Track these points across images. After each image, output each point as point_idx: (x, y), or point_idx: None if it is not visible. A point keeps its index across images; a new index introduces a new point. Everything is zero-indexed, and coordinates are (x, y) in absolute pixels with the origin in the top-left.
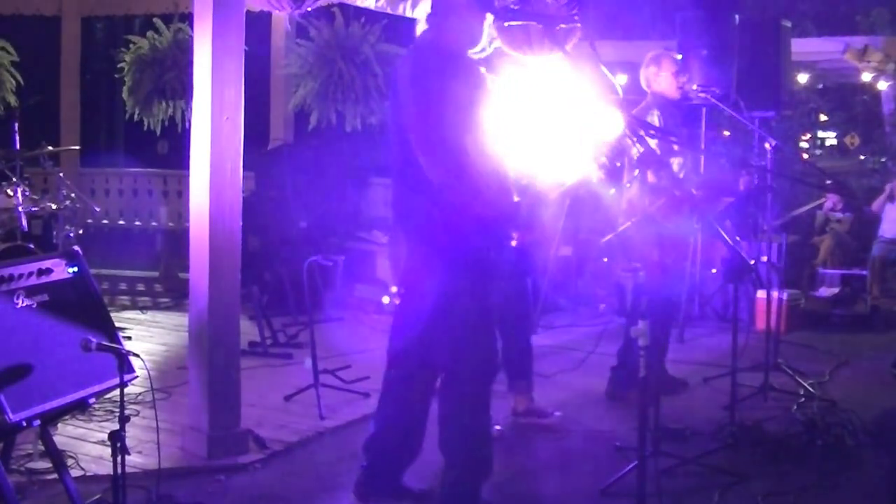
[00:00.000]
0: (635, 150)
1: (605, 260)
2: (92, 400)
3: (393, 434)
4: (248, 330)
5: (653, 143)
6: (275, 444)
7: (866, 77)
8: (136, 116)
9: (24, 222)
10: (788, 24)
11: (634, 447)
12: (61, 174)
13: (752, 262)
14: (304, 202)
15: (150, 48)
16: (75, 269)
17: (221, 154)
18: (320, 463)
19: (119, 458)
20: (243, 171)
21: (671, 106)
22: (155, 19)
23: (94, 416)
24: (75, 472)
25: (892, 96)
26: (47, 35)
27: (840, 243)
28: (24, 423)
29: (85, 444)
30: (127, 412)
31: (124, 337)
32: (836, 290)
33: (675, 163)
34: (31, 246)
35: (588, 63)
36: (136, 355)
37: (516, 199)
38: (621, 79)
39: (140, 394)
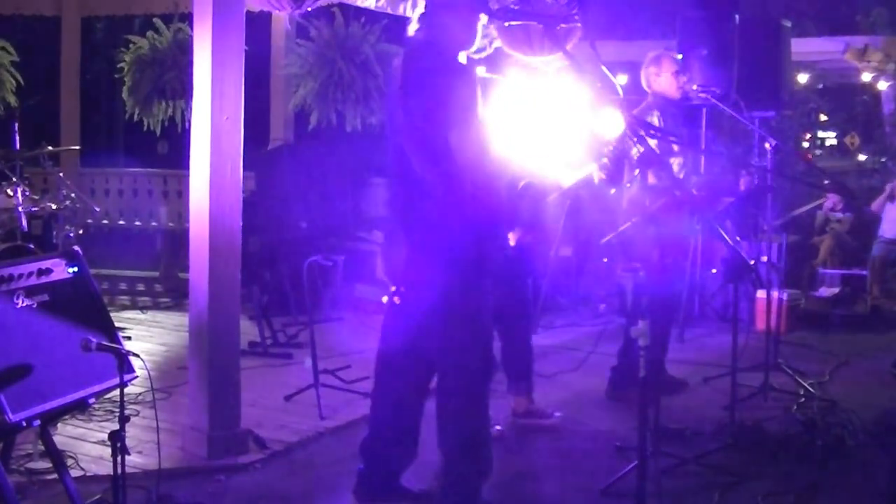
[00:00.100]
0: (635, 151)
1: (605, 260)
2: (92, 400)
3: (388, 436)
4: (248, 330)
5: (653, 143)
6: (275, 444)
7: (866, 77)
8: (136, 116)
9: (24, 222)
10: (788, 24)
11: (634, 447)
12: (61, 174)
13: (752, 262)
14: (304, 202)
15: (150, 48)
16: (75, 269)
17: (221, 154)
18: (320, 463)
19: (119, 458)
20: (243, 171)
21: (672, 106)
22: (155, 19)
23: (94, 416)
24: (75, 472)
25: (892, 96)
26: (47, 35)
27: (840, 243)
28: (24, 423)
29: (85, 444)
30: (127, 412)
31: (124, 337)
32: (836, 290)
33: (676, 163)
34: (31, 246)
35: (588, 63)
36: (136, 355)
37: (514, 198)
38: (622, 79)
39: (140, 394)
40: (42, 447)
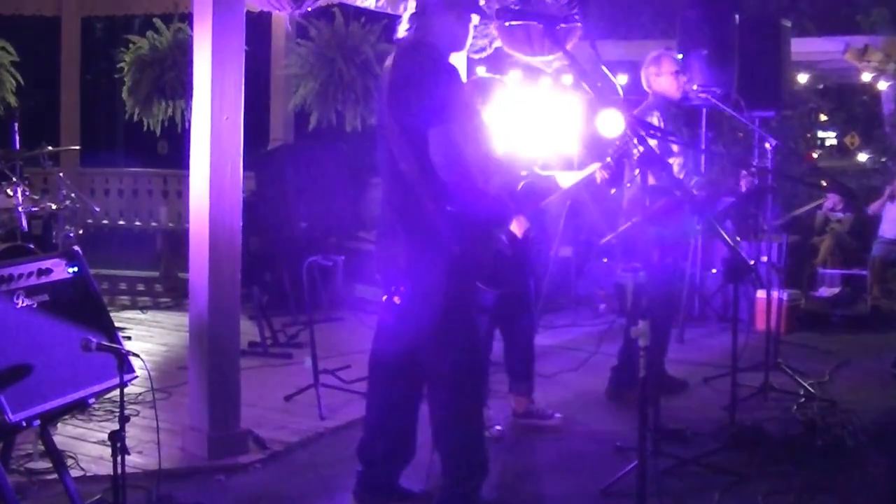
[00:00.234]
0: (636, 151)
1: (605, 260)
2: (92, 400)
3: (384, 437)
4: (248, 330)
5: (653, 143)
6: (275, 445)
7: (866, 77)
8: (136, 116)
9: (24, 222)
10: (788, 24)
11: (634, 447)
12: (61, 174)
13: (752, 262)
14: (304, 202)
15: (150, 48)
16: (75, 269)
17: (221, 154)
18: (320, 463)
19: (119, 458)
20: (243, 171)
21: (673, 106)
22: (155, 19)
23: (94, 416)
24: (75, 472)
25: (892, 96)
26: (47, 35)
27: (840, 243)
28: (24, 423)
29: (85, 444)
30: (127, 412)
31: (124, 337)
32: (836, 290)
33: (676, 163)
34: (31, 246)
35: (588, 63)
36: (136, 355)
37: (515, 197)
38: (622, 79)
39: (140, 394)
40: (42, 447)
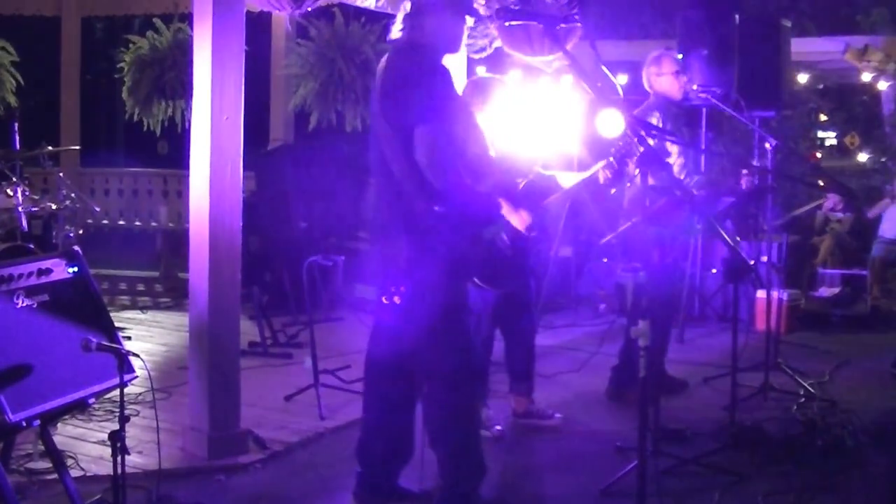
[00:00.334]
0: (638, 150)
1: (605, 260)
2: (92, 400)
3: (381, 438)
4: (248, 330)
5: (652, 143)
6: (275, 445)
7: (866, 77)
8: (136, 116)
9: (24, 222)
10: (788, 24)
11: (635, 447)
12: (61, 174)
13: (752, 262)
14: (304, 202)
15: (149, 48)
16: (75, 269)
17: (221, 154)
18: (321, 463)
19: (119, 458)
20: (243, 171)
21: (673, 106)
22: (155, 19)
23: (94, 416)
24: (75, 472)
25: (893, 96)
26: (47, 35)
27: (840, 243)
28: (24, 423)
29: (85, 444)
30: (127, 412)
31: (124, 337)
32: (836, 290)
33: (677, 164)
34: (31, 246)
35: (588, 63)
36: (136, 355)
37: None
38: (622, 79)
39: (140, 394)
40: (42, 447)
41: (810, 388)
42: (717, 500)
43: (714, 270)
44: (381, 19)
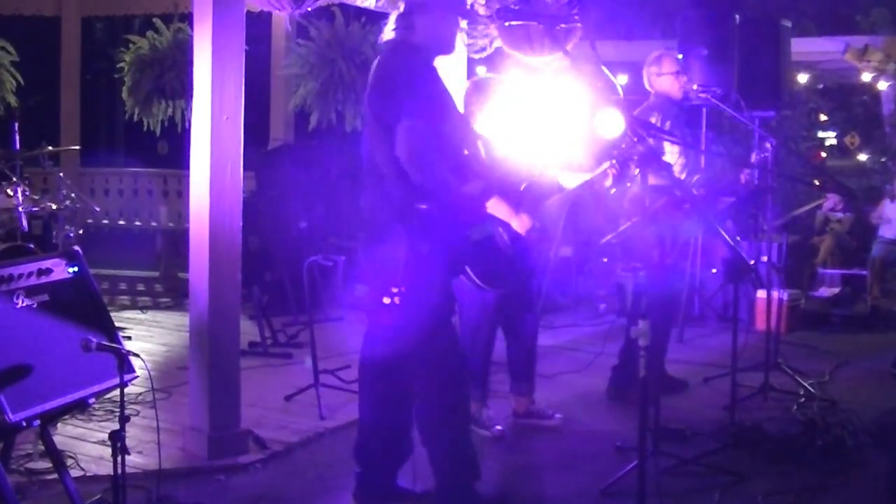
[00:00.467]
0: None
1: (605, 260)
2: (92, 400)
3: (378, 438)
4: (248, 330)
5: (652, 143)
6: (275, 445)
7: (866, 77)
8: (135, 116)
9: (24, 222)
10: (788, 24)
11: (635, 447)
12: (61, 174)
13: (752, 262)
14: (304, 202)
15: (149, 48)
16: (75, 269)
17: (221, 154)
18: (321, 463)
19: (119, 458)
20: (243, 171)
21: (674, 106)
22: (155, 19)
23: (94, 416)
24: (75, 472)
25: (892, 96)
26: (47, 35)
27: (840, 243)
28: (24, 423)
29: (85, 444)
30: (127, 412)
31: (124, 337)
32: (836, 290)
33: (678, 164)
34: (31, 246)
35: (588, 63)
36: (136, 355)
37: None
38: (622, 79)
39: (140, 394)
40: (42, 447)
41: (810, 388)
42: (717, 500)
43: (714, 270)
44: (381, 19)
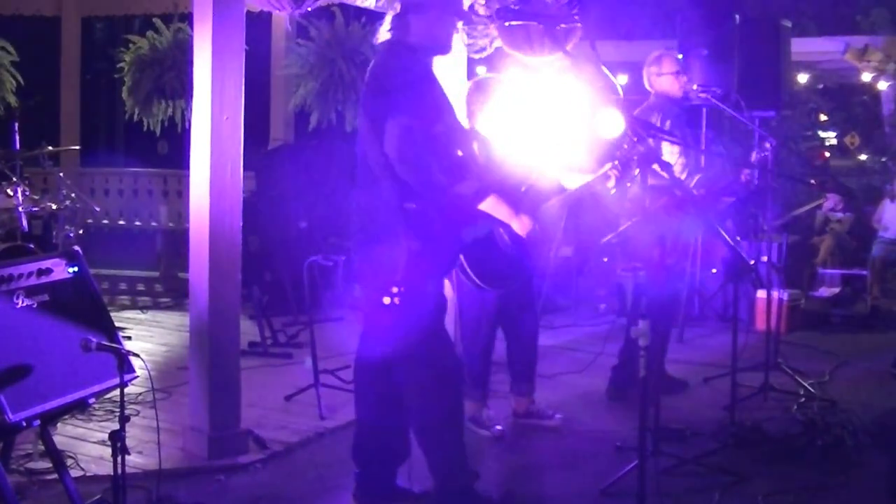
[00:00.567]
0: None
1: (605, 260)
2: (92, 400)
3: (376, 438)
4: (248, 330)
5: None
6: (275, 445)
7: (866, 77)
8: (135, 116)
9: (24, 222)
10: (788, 24)
11: (635, 447)
12: (61, 174)
13: (752, 262)
14: (304, 202)
15: (149, 48)
16: (75, 269)
17: (221, 154)
18: (321, 463)
19: (119, 458)
20: (243, 171)
21: (674, 106)
22: (155, 19)
23: (94, 416)
24: (75, 472)
25: (893, 96)
26: (47, 35)
27: (840, 243)
28: (24, 423)
29: (85, 444)
30: (127, 412)
31: (124, 337)
32: (836, 290)
33: (678, 164)
34: (31, 246)
35: (588, 63)
36: (136, 355)
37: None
38: (622, 79)
39: (140, 394)
40: (42, 447)
41: (810, 388)
42: (717, 500)
43: (714, 270)
44: (381, 19)
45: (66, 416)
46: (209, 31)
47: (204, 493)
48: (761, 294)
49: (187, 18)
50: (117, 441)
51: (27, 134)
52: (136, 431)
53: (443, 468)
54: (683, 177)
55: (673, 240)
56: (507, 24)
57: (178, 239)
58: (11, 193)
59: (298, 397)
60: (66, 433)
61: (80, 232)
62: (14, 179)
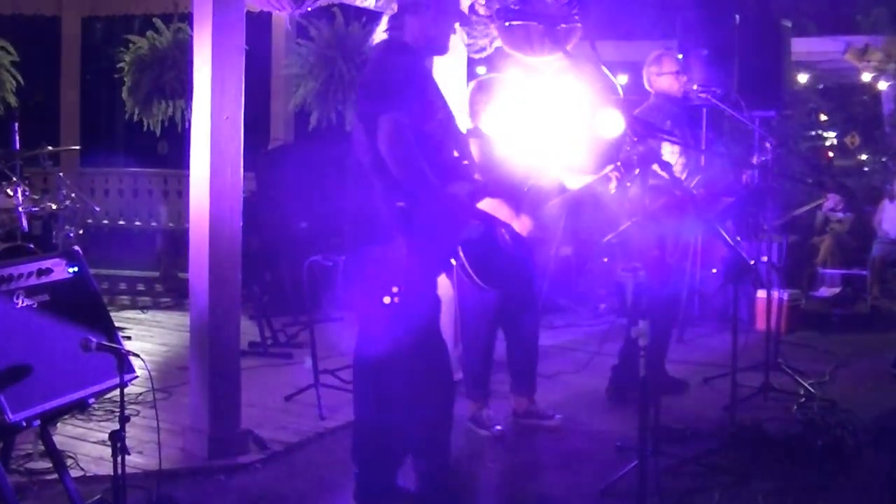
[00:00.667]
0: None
1: (605, 260)
2: (92, 400)
3: (375, 438)
4: (248, 330)
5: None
6: (275, 445)
7: (866, 77)
8: (136, 116)
9: (24, 222)
10: (788, 24)
11: (634, 447)
12: (61, 174)
13: (753, 262)
14: (304, 202)
15: (149, 48)
16: (75, 269)
17: (221, 154)
18: (320, 463)
19: (119, 458)
20: (243, 171)
21: (674, 106)
22: (155, 19)
23: (94, 416)
24: (75, 472)
25: (893, 96)
26: (47, 35)
27: (840, 243)
28: (24, 423)
29: (85, 444)
30: (127, 412)
31: (124, 337)
32: (836, 290)
33: (679, 164)
34: (31, 246)
35: (588, 63)
36: (136, 355)
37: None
38: (622, 79)
39: (140, 394)
40: (42, 447)
41: (810, 388)
42: (717, 500)
43: (714, 270)
44: (381, 19)
45: (66, 416)
46: (209, 31)
47: (204, 493)
48: (761, 294)
49: (187, 18)
50: (117, 441)
51: (27, 134)
52: (136, 431)
53: (441, 475)
54: (684, 177)
55: (673, 240)
56: (507, 24)
57: (178, 239)
58: (11, 193)
59: (298, 397)
60: (66, 433)
61: (80, 232)
62: (14, 179)
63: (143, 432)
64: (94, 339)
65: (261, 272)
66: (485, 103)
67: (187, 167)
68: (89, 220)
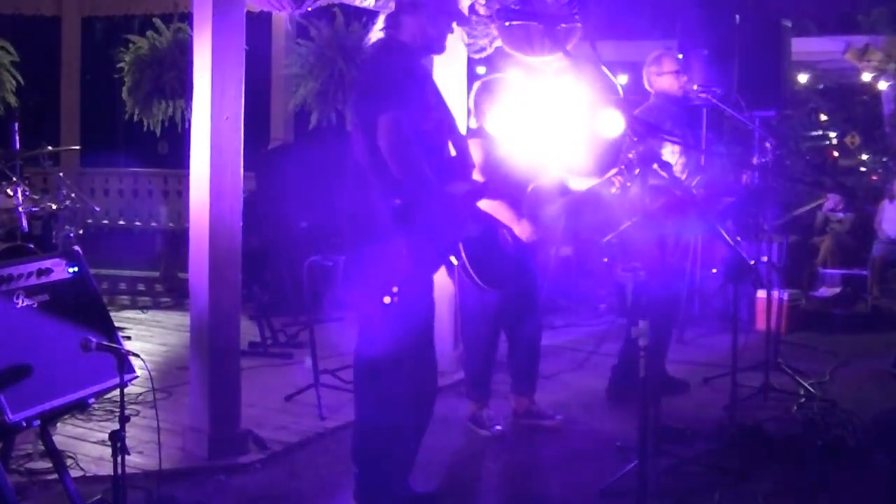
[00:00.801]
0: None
1: (605, 260)
2: (92, 400)
3: (374, 438)
4: (248, 330)
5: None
6: (275, 445)
7: (866, 77)
8: (136, 116)
9: (24, 222)
10: (788, 24)
11: (634, 447)
12: (61, 174)
13: (753, 262)
14: (304, 202)
15: (149, 48)
16: (75, 269)
17: (221, 154)
18: (321, 463)
19: (119, 458)
20: (243, 171)
21: (674, 106)
22: (155, 19)
23: (94, 416)
24: (75, 472)
25: (893, 96)
26: (47, 35)
27: (840, 243)
28: (24, 423)
29: (85, 444)
30: (127, 412)
31: (124, 337)
32: (836, 290)
33: (679, 164)
34: (31, 246)
35: (589, 63)
36: (136, 355)
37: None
38: (622, 79)
39: (140, 394)
40: (42, 447)
41: (810, 388)
42: (717, 500)
43: (714, 270)
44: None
45: (66, 416)
46: (209, 31)
47: (204, 493)
48: (761, 294)
49: (187, 18)
50: (117, 441)
51: (27, 134)
52: (136, 431)
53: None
54: (684, 177)
55: (673, 240)
56: (507, 24)
57: (178, 239)
58: (11, 193)
59: (298, 397)
60: (66, 433)
61: (80, 232)
62: (14, 179)
63: (143, 432)
64: (94, 339)
65: (261, 272)
66: (490, 103)
67: (187, 167)
68: (89, 220)
